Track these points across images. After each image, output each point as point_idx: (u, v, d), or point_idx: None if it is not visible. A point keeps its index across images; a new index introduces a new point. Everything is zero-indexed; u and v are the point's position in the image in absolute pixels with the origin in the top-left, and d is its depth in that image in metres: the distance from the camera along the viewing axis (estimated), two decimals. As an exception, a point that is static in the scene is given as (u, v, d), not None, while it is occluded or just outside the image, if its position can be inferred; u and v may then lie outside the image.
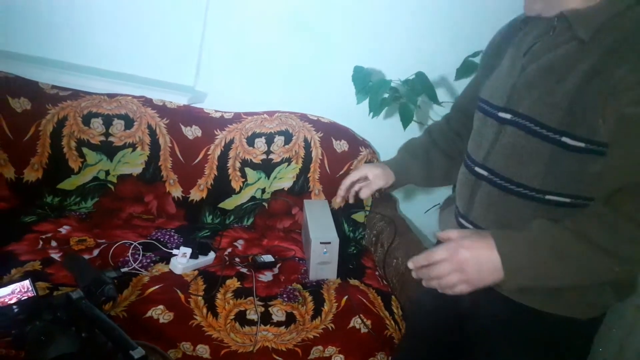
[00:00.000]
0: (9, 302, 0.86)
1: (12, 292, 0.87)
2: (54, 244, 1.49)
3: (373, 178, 1.30)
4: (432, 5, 1.91)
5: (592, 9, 0.83)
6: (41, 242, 1.48)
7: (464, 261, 0.83)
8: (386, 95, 1.74)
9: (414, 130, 1.98)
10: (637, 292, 0.98)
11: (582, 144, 0.83)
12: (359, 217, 1.96)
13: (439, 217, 1.17)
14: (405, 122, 1.70)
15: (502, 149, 0.93)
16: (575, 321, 0.90)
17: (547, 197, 0.89)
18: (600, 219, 0.79)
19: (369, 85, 1.70)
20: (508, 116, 0.92)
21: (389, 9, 1.92)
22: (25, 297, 0.88)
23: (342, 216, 1.93)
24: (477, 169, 0.98)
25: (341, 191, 1.35)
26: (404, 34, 1.95)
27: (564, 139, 0.84)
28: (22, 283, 0.88)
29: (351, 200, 1.38)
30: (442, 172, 1.28)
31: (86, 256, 1.46)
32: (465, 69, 1.82)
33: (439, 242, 0.97)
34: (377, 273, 1.73)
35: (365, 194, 1.30)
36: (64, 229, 1.57)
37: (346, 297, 1.51)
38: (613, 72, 0.78)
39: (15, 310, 0.85)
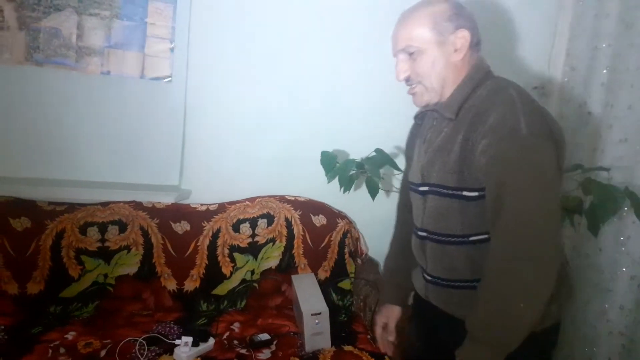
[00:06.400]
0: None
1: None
2: (62, 350, 1.57)
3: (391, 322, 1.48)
4: (383, 90, 2.17)
5: (449, 98, 1.15)
6: (50, 351, 1.56)
7: None
8: (353, 172, 1.94)
9: (383, 199, 2.18)
10: (574, 297, 1.17)
11: (475, 193, 1.09)
12: (345, 284, 2.09)
13: (412, 274, 1.39)
14: (373, 193, 1.90)
15: (429, 212, 1.19)
16: (532, 334, 1.04)
17: (470, 238, 1.13)
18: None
19: (336, 167, 1.90)
20: (426, 188, 1.20)
21: (347, 100, 2.19)
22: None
23: (329, 286, 2.06)
24: (419, 232, 1.25)
25: (383, 347, 1.51)
26: (361, 118, 2.21)
27: (464, 192, 1.10)
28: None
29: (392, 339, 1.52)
30: None
31: (94, 357, 1.55)
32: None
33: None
34: (368, 337, 1.83)
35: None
36: (70, 335, 1.66)
37: (342, 362, 1.61)
38: (473, 135, 1.07)
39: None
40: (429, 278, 1.25)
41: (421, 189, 1.22)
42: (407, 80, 1.18)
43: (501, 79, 1.16)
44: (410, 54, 1.15)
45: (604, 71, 2.02)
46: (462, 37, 1.13)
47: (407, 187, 1.37)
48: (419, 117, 1.32)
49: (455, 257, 1.16)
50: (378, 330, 1.49)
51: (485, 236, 1.11)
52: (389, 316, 1.47)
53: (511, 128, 1.01)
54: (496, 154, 1.02)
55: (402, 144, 2.21)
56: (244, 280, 2.00)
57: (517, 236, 1.00)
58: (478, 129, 1.06)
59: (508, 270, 1.01)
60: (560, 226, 1.05)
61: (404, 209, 1.45)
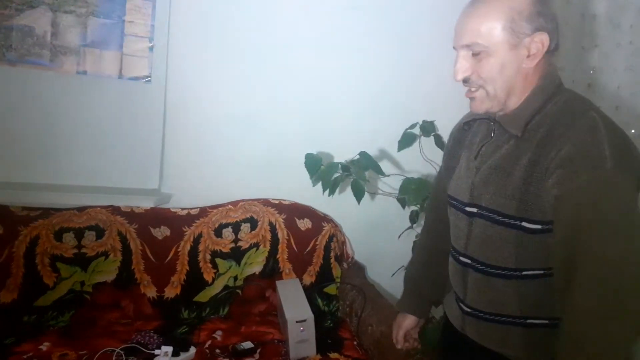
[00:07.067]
0: None
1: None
2: (36, 363, 1.51)
3: (408, 332, 1.41)
4: (367, 92, 2.15)
5: (516, 110, 1.01)
6: (23, 364, 1.50)
7: None
8: (337, 175, 1.90)
9: (368, 202, 2.14)
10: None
11: (538, 226, 0.96)
12: (331, 289, 2.05)
13: (444, 301, 1.29)
14: (358, 197, 1.86)
15: (476, 238, 1.06)
16: None
17: (524, 272, 1.01)
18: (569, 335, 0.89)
19: (320, 170, 1.86)
20: (474, 210, 1.06)
21: (331, 101, 2.14)
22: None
23: (315, 292, 2.01)
24: (461, 258, 1.11)
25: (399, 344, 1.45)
26: (346, 120, 2.16)
27: (524, 223, 0.97)
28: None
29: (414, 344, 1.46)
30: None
31: (69, 371, 1.49)
32: (405, 140, 2.02)
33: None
34: (355, 343, 1.80)
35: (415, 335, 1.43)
36: (44, 346, 1.59)
37: (327, 371, 1.58)
38: (544, 161, 0.93)
39: None
40: (467, 310, 1.12)
41: (468, 209, 1.08)
42: (466, 81, 1.02)
43: (574, 94, 1.01)
44: (476, 53, 0.98)
45: (591, 72, 2.00)
46: (540, 42, 0.96)
47: (441, 196, 1.24)
48: (468, 124, 1.17)
49: (502, 291, 1.04)
50: (393, 333, 1.43)
51: (541, 272, 0.99)
52: (400, 324, 1.40)
53: (594, 159, 0.87)
54: (574, 189, 0.88)
55: (387, 147, 2.22)
56: (226, 287, 1.94)
57: (604, 291, 0.85)
58: (550, 154, 0.92)
59: (597, 333, 0.86)
60: None
61: (436, 218, 1.33)
